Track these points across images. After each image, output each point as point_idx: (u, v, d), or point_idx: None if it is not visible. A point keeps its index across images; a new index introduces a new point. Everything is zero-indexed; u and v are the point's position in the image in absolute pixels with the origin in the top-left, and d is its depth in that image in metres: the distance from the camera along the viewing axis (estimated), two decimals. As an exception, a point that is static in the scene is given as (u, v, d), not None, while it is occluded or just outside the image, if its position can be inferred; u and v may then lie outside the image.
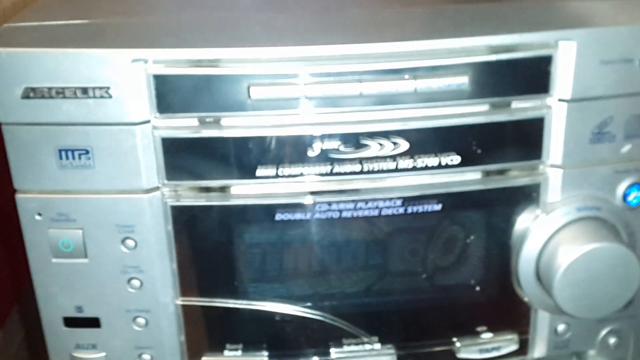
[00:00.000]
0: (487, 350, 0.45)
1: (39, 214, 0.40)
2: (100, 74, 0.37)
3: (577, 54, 0.39)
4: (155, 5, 0.45)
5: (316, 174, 0.40)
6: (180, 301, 0.42)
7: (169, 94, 0.38)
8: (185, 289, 0.42)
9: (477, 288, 0.45)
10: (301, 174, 0.40)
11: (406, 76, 0.38)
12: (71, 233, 0.40)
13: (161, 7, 0.45)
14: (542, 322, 0.46)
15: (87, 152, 0.39)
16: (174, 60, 0.37)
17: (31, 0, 0.55)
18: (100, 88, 0.37)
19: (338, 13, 0.42)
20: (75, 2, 0.47)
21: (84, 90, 0.37)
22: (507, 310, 0.45)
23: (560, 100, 0.40)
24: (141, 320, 0.42)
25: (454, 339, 0.45)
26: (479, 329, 0.45)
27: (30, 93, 0.37)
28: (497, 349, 0.45)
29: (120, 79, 0.37)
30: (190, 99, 0.38)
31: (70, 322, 0.43)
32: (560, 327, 0.46)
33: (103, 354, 0.43)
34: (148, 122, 0.38)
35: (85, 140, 0.38)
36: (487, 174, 0.41)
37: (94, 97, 0.37)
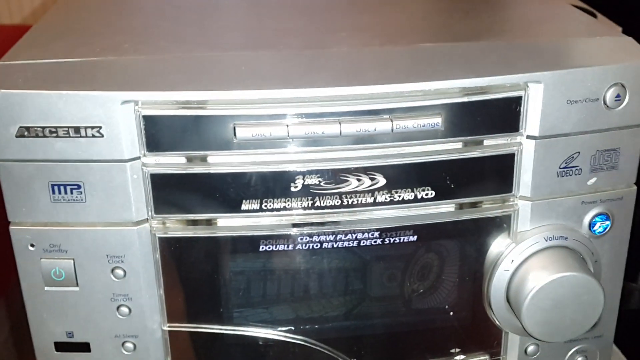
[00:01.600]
0: (460, 371, 0.47)
1: (32, 245, 0.42)
2: (92, 114, 0.39)
3: (544, 94, 0.42)
4: (143, 41, 0.47)
5: (298, 208, 0.42)
6: (167, 327, 0.44)
7: (158, 133, 0.40)
8: (172, 316, 0.44)
9: (451, 312, 0.47)
10: (284, 208, 0.42)
11: (384, 117, 0.40)
12: (63, 263, 0.42)
13: (149, 43, 0.46)
14: (512, 344, 0.48)
15: (78, 187, 0.41)
16: (163, 101, 0.39)
17: (52, 2, 0.55)
18: (92, 127, 0.39)
19: (319, 52, 0.44)
20: (64, 35, 0.48)
21: (77, 130, 0.39)
22: (479, 333, 0.48)
23: (529, 137, 0.43)
24: (130, 345, 0.44)
25: (429, 361, 0.47)
26: (453, 350, 0.48)
27: (25, 132, 0.39)
28: (470, 369, 0.48)
29: (111, 119, 0.39)
30: (178, 137, 0.40)
31: (61, 346, 0.44)
32: (530, 348, 0.48)
33: (93, 377, 0.45)
34: (138, 159, 0.40)
35: (77, 175, 0.40)
36: (460, 206, 0.44)
37: (86, 136, 0.39)
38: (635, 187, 0.46)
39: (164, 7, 0.56)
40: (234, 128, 0.39)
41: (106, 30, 0.50)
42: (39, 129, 0.39)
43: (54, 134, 0.39)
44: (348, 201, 0.42)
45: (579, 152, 0.44)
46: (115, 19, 0.53)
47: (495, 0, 0.57)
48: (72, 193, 0.41)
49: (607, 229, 0.46)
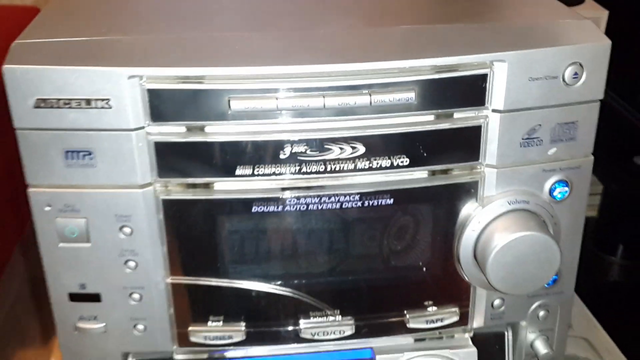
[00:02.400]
0: (432, 322, 0.53)
1: (49, 205, 0.47)
2: (101, 88, 0.43)
3: (508, 72, 0.46)
4: (146, 22, 0.51)
5: (287, 173, 0.47)
6: (169, 280, 0.49)
7: (161, 105, 0.44)
8: (174, 269, 0.49)
9: (425, 269, 0.52)
10: (274, 173, 0.46)
11: (363, 92, 0.45)
12: (76, 222, 0.47)
13: (152, 24, 0.51)
14: (480, 298, 0.53)
15: (90, 153, 0.45)
16: (165, 76, 0.44)
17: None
18: (102, 100, 0.44)
19: (306, 33, 0.49)
20: (75, 16, 0.52)
21: (88, 102, 0.44)
22: (450, 288, 0.53)
23: (494, 111, 0.48)
24: (136, 296, 0.49)
25: (405, 312, 0.53)
26: (426, 303, 0.53)
27: (41, 104, 0.44)
28: (441, 320, 0.53)
29: (119, 92, 0.43)
30: (179, 109, 0.44)
31: (75, 297, 0.50)
32: (496, 302, 0.54)
33: (103, 324, 0.50)
34: (143, 128, 0.45)
35: (88, 143, 0.45)
36: (432, 173, 0.49)
37: (96, 107, 0.44)
38: (592, 157, 0.51)
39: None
40: (229, 101, 0.44)
41: (113, 11, 0.54)
42: (54, 100, 0.44)
43: (68, 106, 0.44)
44: (331, 167, 0.47)
45: (540, 125, 0.49)
46: (121, 1, 0.57)
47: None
48: (84, 159, 0.46)
49: (566, 195, 0.51)
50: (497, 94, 0.47)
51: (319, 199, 0.48)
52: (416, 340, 0.54)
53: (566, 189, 0.51)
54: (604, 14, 1.06)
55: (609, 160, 1.24)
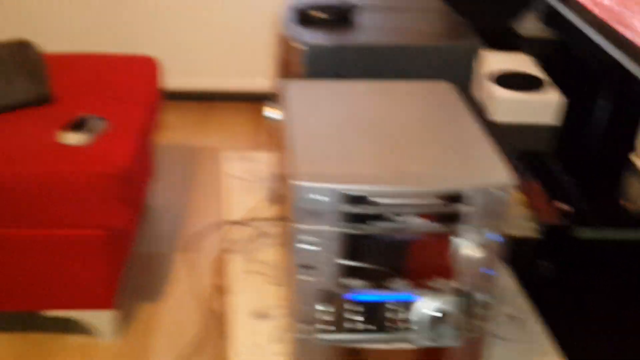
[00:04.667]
0: (439, 284, 1.32)
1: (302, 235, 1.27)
2: (322, 190, 1.23)
3: (474, 192, 1.24)
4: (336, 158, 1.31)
5: (384, 225, 1.26)
6: (339, 260, 1.29)
7: (340, 197, 1.24)
8: (341, 254, 1.29)
9: (439, 263, 1.31)
10: (379, 223, 1.26)
11: (417, 197, 1.24)
12: (312, 238, 1.27)
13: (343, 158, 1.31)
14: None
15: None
16: (342, 189, 1.23)
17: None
18: (319, 194, 1.23)
19: (392, 166, 1.27)
20: (316, 161, 1.33)
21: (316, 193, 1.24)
22: (448, 273, 1.32)
23: (466, 204, 1.25)
24: (326, 268, 1.29)
25: (426, 280, 1.32)
26: (440, 275, 1.32)
27: (306, 198, 1.24)
28: (444, 284, 1.32)
29: (322, 191, 1.23)
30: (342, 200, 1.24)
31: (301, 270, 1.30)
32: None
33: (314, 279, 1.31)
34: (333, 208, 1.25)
35: (315, 209, 1.25)
36: (445, 227, 1.27)
37: (321, 195, 1.24)
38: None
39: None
40: (365, 200, 1.23)
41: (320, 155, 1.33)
42: (309, 197, 1.23)
43: (309, 197, 1.24)
44: (400, 224, 1.26)
45: (484, 211, 1.27)
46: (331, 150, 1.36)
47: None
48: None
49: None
50: (470, 199, 1.25)
51: (397, 232, 1.27)
52: (434, 292, 1.33)
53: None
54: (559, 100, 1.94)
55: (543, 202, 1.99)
